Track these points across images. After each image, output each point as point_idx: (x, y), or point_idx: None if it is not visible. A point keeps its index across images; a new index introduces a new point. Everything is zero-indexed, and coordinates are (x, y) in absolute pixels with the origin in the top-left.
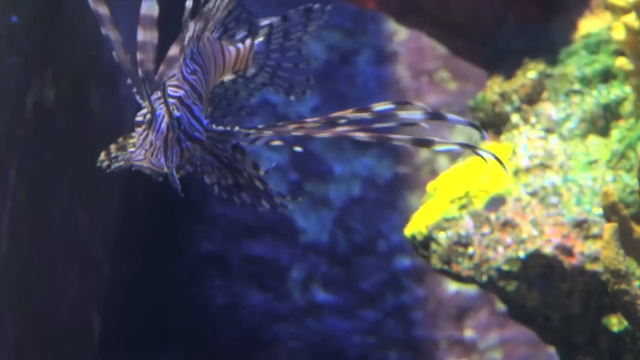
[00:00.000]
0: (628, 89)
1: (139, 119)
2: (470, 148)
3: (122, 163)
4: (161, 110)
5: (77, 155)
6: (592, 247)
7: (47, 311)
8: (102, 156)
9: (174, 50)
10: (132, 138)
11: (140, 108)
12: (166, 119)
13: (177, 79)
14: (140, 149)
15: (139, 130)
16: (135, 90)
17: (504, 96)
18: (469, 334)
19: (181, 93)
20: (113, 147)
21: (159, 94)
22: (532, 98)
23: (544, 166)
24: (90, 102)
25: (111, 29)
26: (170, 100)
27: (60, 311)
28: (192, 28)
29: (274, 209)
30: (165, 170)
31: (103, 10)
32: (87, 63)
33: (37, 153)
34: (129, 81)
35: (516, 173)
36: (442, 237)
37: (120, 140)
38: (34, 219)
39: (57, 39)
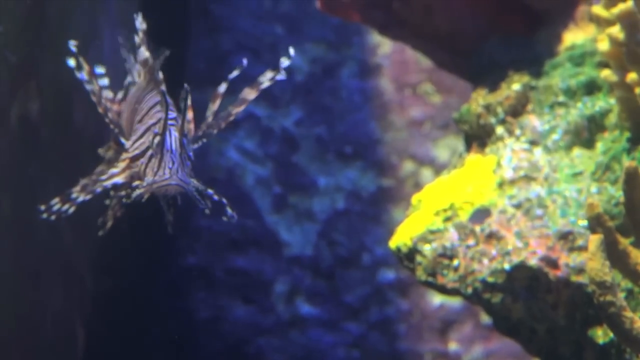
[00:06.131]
0: (612, 101)
1: (134, 153)
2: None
3: (143, 190)
4: (170, 128)
5: (61, 168)
6: (577, 258)
7: (31, 324)
8: (57, 201)
9: None
10: (100, 179)
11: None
12: (176, 136)
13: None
14: (161, 170)
15: (143, 160)
16: (116, 131)
17: (488, 108)
18: (453, 346)
19: (175, 114)
20: (75, 190)
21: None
22: (517, 110)
23: (528, 178)
24: (73, 115)
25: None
26: (170, 122)
27: (44, 324)
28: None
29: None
30: (190, 186)
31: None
32: (70, 76)
33: (21, 166)
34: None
35: (500, 185)
36: (426, 248)
37: (84, 181)
38: (17, 232)
39: (40, 50)
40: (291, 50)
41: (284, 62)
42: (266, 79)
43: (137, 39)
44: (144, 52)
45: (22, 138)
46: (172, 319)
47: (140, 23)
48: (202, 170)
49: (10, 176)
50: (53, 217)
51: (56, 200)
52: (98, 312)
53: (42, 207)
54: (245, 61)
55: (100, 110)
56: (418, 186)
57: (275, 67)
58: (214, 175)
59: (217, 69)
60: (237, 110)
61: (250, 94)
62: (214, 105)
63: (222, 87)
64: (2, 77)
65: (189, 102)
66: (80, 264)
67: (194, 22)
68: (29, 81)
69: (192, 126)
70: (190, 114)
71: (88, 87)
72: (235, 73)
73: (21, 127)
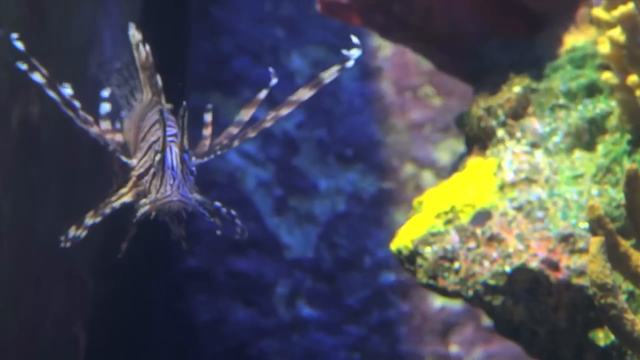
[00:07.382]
0: (613, 103)
1: (139, 171)
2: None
3: (147, 208)
4: (170, 145)
5: (61, 171)
6: (578, 261)
7: (32, 327)
8: (73, 230)
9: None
10: (109, 203)
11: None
12: (176, 152)
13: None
14: (163, 187)
15: (147, 178)
16: (110, 149)
17: (489, 110)
18: (454, 349)
19: (175, 131)
20: (89, 215)
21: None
22: (517, 112)
23: (529, 180)
24: None
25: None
26: (170, 138)
27: (45, 327)
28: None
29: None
30: (192, 201)
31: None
32: (70, 78)
33: (22, 169)
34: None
35: (501, 187)
36: (427, 251)
37: (99, 206)
38: (18, 234)
39: (41, 53)
40: (355, 40)
41: (355, 52)
42: (330, 74)
43: (133, 42)
44: (142, 52)
45: (23, 141)
46: (173, 322)
47: (134, 31)
48: (203, 174)
49: (11, 179)
50: (69, 245)
51: (72, 228)
52: (99, 315)
53: (62, 238)
54: (275, 81)
55: (78, 123)
56: (419, 189)
57: (340, 61)
58: (215, 178)
59: (217, 72)
60: (278, 114)
61: (305, 93)
62: (246, 115)
63: (263, 94)
64: (3, 80)
65: (210, 118)
66: (82, 267)
67: (195, 25)
68: (30, 84)
69: (207, 142)
70: (208, 130)
71: (50, 94)
72: (264, 93)
73: (22, 130)
